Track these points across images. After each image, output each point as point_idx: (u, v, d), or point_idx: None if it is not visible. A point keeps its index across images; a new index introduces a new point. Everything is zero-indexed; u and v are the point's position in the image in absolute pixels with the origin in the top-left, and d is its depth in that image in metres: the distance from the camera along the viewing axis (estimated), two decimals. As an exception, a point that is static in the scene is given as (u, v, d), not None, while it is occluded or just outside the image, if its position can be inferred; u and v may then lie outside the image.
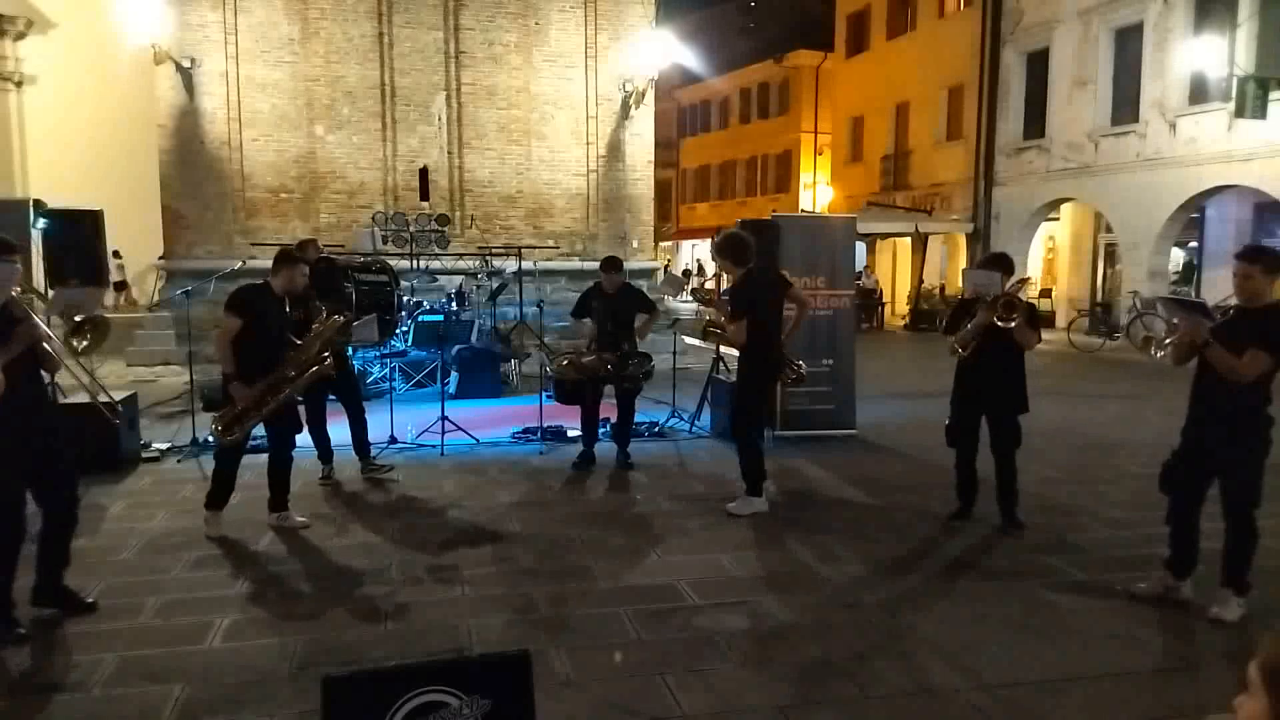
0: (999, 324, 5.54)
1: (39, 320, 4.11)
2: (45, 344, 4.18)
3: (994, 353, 5.68)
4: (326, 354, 5.84)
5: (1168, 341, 4.53)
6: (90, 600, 4.56)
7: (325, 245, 9.32)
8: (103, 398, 7.24)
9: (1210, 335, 4.30)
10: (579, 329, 8.09)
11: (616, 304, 7.60)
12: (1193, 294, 18.83)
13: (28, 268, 4.98)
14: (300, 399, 7.05)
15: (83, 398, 7.73)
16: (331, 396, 7.21)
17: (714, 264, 6.62)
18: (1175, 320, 4.58)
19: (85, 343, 4.35)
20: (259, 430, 5.80)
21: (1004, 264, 5.94)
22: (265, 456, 5.95)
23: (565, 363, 7.68)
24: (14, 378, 3.94)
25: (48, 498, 4.38)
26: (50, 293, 5.48)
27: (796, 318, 6.55)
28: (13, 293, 4.09)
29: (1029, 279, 6.62)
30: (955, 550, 5.62)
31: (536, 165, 16.87)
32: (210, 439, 6.29)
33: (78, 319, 4.30)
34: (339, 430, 7.24)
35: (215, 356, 5.84)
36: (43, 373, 4.36)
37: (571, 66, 16.82)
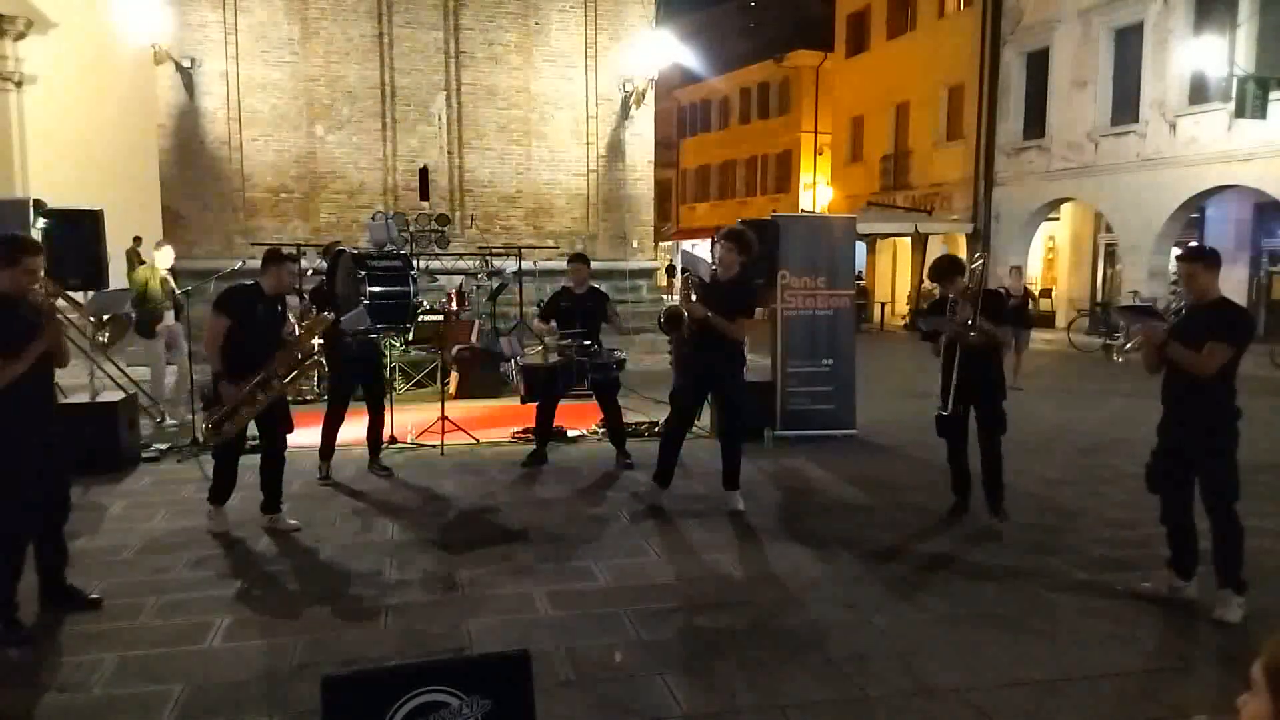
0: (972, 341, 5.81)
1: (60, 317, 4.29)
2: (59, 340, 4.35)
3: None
4: (316, 352, 5.83)
5: (1128, 347, 4.73)
6: (95, 596, 4.57)
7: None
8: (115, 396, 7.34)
9: (1166, 335, 4.48)
10: (539, 331, 8.13)
11: (587, 303, 7.69)
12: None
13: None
14: (329, 385, 7.13)
15: (83, 397, 7.76)
16: (358, 395, 7.26)
17: (722, 254, 6.60)
18: (1131, 327, 4.78)
19: (106, 336, 4.66)
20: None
21: (951, 271, 6.18)
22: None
23: (538, 347, 7.66)
24: (29, 374, 4.11)
25: (45, 494, 4.37)
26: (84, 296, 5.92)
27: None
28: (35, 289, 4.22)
29: (981, 259, 6.70)
30: (956, 550, 5.62)
31: (536, 165, 16.86)
32: (199, 438, 6.29)
33: (105, 316, 4.66)
34: (345, 431, 7.24)
35: (205, 355, 5.89)
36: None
37: (571, 66, 16.82)
